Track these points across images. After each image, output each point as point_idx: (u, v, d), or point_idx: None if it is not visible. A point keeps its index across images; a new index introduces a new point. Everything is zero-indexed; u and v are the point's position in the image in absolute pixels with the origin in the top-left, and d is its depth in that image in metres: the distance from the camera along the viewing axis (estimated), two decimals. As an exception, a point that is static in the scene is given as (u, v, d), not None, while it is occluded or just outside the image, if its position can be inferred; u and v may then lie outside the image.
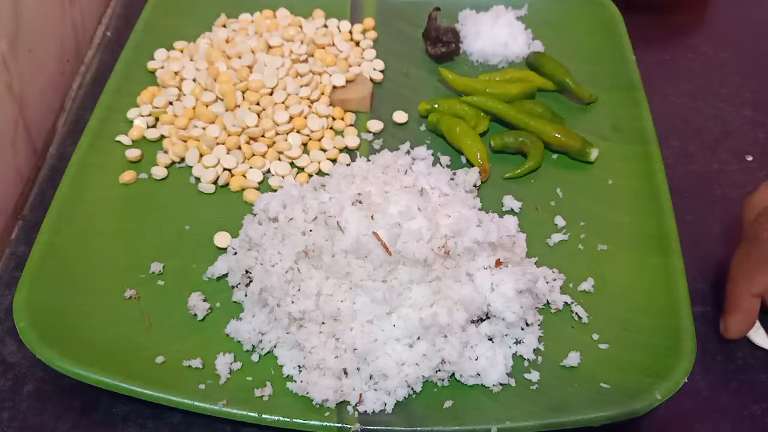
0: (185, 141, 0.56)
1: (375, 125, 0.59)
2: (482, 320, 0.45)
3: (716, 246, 0.54)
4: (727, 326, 0.47)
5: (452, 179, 0.53)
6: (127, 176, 0.54)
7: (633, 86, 0.60)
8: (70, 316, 0.45)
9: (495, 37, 0.64)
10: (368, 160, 0.54)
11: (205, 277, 0.48)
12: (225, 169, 0.55)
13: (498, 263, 0.45)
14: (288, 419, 0.41)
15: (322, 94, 0.59)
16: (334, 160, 0.56)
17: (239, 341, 0.45)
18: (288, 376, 0.44)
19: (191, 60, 0.62)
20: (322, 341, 0.43)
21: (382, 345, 0.43)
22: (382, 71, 0.63)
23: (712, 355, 0.48)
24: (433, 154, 0.56)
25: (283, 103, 0.58)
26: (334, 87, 0.60)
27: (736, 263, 0.47)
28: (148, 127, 0.57)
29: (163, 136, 0.57)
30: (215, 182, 0.54)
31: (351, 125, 0.59)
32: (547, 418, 0.41)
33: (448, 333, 0.43)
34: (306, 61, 0.61)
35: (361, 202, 0.45)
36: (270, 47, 0.62)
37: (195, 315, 0.46)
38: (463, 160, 0.56)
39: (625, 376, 0.43)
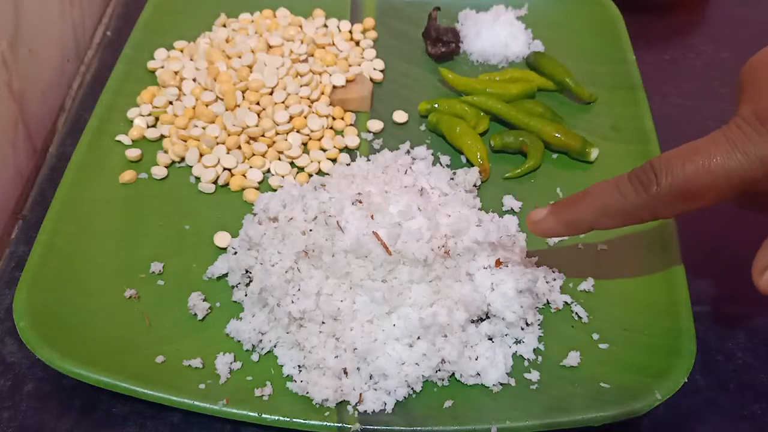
0: (185, 141, 0.56)
1: (375, 125, 0.59)
2: (482, 320, 0.45)
3: (716, 245, 0.54)
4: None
5: (452, 179, 0.53)
6: (127, 176, 0.54)
7: (633, 86, 0.60)
8: (70, 316, 0.45)
9: (495, 37, 0.64)
10: (368, 160, 0.54)
11: (205, 277, 0.48)
12: (225, 169, 0.55)
13: (498, 263, 0.45)
14: (288, 419, 0.41)
15: (322, 93, 0.59)
16: (334, 160, 0.56)
17: (239, 341, 0.45)
18: (288, 375, 0.44)
19: (191, 60, 0.62)
20: (322, 341, 0.43)
21: (382, 345, 0.43)
22: (382, 71, 0.63)
23: (712, 355, 0.48)
24: (433, 154, 0.56)
25: (283, 102, 0.58)
26: (334, 87, 0.60)
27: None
28: (148, 127, 0.57)
29: (163, 136, 0.57)
30: (215, 182, 0.54)
31: (351, 125, 0.59)
32: (547, 418, 0.41)
33: (448, 333, 0.43)
34: (306, 60, 0.61)
35: (361, 202, 0.45)
36: (270, 47, 0.62)
37: (195, 315, 0.46)
38: (463, 159, 0.56)
39: (625, 376, 0.43)
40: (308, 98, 0.59)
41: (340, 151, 0.57)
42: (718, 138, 0.39)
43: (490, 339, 0.45)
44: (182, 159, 0.55)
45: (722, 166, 0.38)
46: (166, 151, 0.56)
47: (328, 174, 0.55)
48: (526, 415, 0.41)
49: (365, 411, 0.42)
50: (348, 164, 0.55)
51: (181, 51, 0.63)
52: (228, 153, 0.55)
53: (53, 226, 0.49)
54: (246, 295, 0.46)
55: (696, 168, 0.38)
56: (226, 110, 0.57)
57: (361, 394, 0.42)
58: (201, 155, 0.55)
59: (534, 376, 0.44)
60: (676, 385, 0.42)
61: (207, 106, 0.58)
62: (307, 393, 0.42)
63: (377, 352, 0.43)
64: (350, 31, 0.66)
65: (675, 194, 0.39)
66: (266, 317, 0.45)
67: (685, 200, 0.39)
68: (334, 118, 0.59)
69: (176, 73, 0.60)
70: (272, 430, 0.42)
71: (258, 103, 0.58)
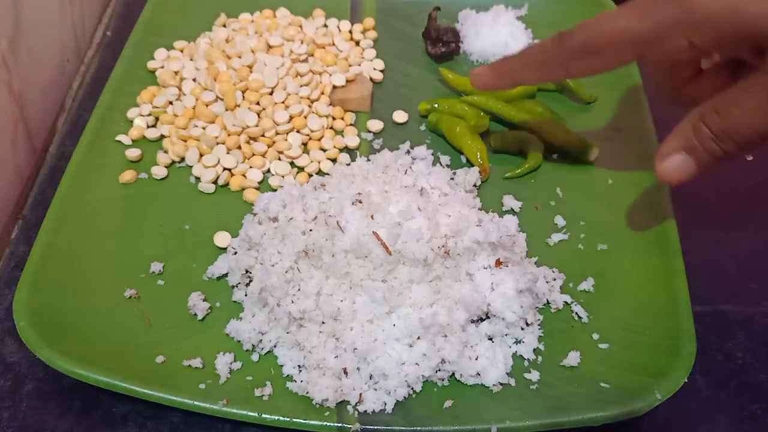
0: (185, 141, 0.56)
1: (375, 125, 0.59)
2: (482, 320, 0.45)
3: (716, 246, 0.54)
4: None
5: (452, 179, 0.53)
6: (127, 176, 0.54)
7: (633, 86, 0.60)
8: (70, 316, 0.45)
9: (495, 37, 0.64)
10: (368, 160, 0.54)
11: (205, 277, 0.48)
12: (225, 169, 0.55)
13: (498, 263, 0.45)
14: (288, 419, 0.41)
15: (322, 93, 0.59)
16: (334, 160, 0.56)
17: (239, 341, 0.45)
18: (288, 375, 0.44)
19: (191, 60, 0.62)
20: (322, 341, 0.43)
21: (382, 345, 0.43)
22: (382, 71, 0.63)
23: (712, 355, 0.48)
24: (433, 154, 0.56)
25: (283, 102, 0.58)
26: (334, 87, 0.60)
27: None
28: (148, 127, 0.57)
29: (163, 136, 0.57)
30: (215, 182, 0.54)
31: (351, 125, 0.59)
32: (547, 418, 0.41)
33: (448, 333, 0.43)
34: (306, 60, 0.61)
35: (361, 202, 0.45)
36: (270, 47, 0.62)
37: (195, 315, 0.46)
38: (463, 159, 0.56)
39: (625, 375, 0.43)
40: (308, 98, 0.59)
41: (340, 151, 0.57)
42: (630, 4, 0.43)
43: (490, 339, 0.45)
44: (182, 159, 0.55)
45: (624, 24, 0.43)
46: (166, 151, 0.56)
47: (328, 174, 0.55)
48: (526, 415, 0.41)
49: (365, 411, 0.42)
50: (348, 164, 0.55)
51: (181, 51, 0.63)
52: (228, 153, 0.55)
53: (53, 226, 0.49)
54: (246, 295, 0.46)
55: (602, 26, 0.44)
56: (226, 110, 0.57)
57: (361, 394, 0.42)
58: (201, 155, 0.55)
59: (534, 376, 0.44)
60: (676, 385, 0.42)
61: (207, 106, 0.58)
62: (307, 393, 0.42)
63: (377, 352, 0.43)
64: (350, 31, 0.66)
65: (582, 49, 0.44)
66: (266, 317, 0.45)
67: (590, 55, 0.44)
68: (334, 118, 0.59)
69: (176, 73, 0.60)
70: (272, 430, 0.42)
71: (258, 103, 0.58)
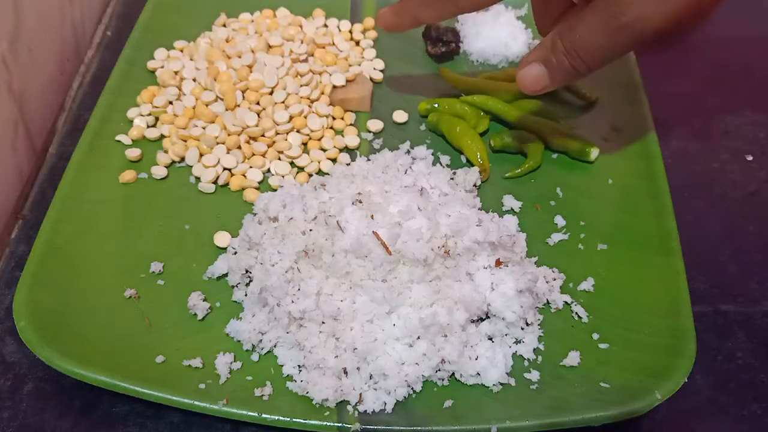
0: (185, 140, 0.56)
1: (375, 125, 0.59)
2: (482, 320, 0.45)
3: (716, 246, 0.54)
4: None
5: (452, 179, 0.53)
6: (127, 176, 0.54)
7: (633, 86, 0.60)
8: (70, 316, 0.45)
9: (495, 37, 0.64)
10: (368, 160, 0.54)
11: (205, 277, 0.48)
12: (225, 169, 0.55)
13: (498, 263, 0.45)
14: (288, 419, 0.41)
15: (322, 93, 0.59)
16: (334, 160, 0.56)
17: (239, 341, 0.45)
18: (288, 375, 0.44)
19: (191, 59, 0.62)
20: (322, 341, 0.43)
21: (382, 344, 0.43)
22: (382, 71, 0.63)
23: (712, 355, 0.48)
24: (433, 154, 0.56)
25: (283, 102, 0.58)
26: (334, 86, 0.60)
27: None
28: (148, 127, 0.57)
29: (163, 136, 0.57)
30: (215, 182, 0.54)
31: (351, 125, 0.59)
32: (547, 418, 0.41)
33: (448, 332, 0.43)
34: (306, 60, 0.61)
35: (361, 202, 0.45)
36: (270, 47, 0.62)
37: (195, 315, 0.46)
38: (463, 159, 0.56)
39: (625, 375, 0.43)
40: (308, 98, 0.59)
41: (340, 151, 0.57)
42: None
43: (490, 339, 0.45)
44: (182, 159, 0.55)
45: None
46: (166, 151, 0.56)
47: (328, 174, 0.55)
48: (526, 415, 0.41)
49: (365, 411, 0.42)
50: (348, 164, 0.55)
51: (181, 51, 0.63)
52: (228, 153, 0.55)
53: (53, 226, 0.49)
54: (246, 295, 0.46)
55: None
56: (226, 110, 0.57)
57: (361, 394, 0.42)
58: (201, 155, 0.55)
59: (534, 376, 0.44)
60: (676, 385, 0.42)
61: (207, 106, 0.58)
62: (307, 393, 0.42)
63: (377, 352, 0.43)
64: (350, 31, 0.66)
65: None
66: (266, 317, 0.45)
67: None
68: (334, 118, 0.59)
69: (176, 73, 0.60)
70: (272, 430, 0.42)
71: (258, 103, 0.58)
